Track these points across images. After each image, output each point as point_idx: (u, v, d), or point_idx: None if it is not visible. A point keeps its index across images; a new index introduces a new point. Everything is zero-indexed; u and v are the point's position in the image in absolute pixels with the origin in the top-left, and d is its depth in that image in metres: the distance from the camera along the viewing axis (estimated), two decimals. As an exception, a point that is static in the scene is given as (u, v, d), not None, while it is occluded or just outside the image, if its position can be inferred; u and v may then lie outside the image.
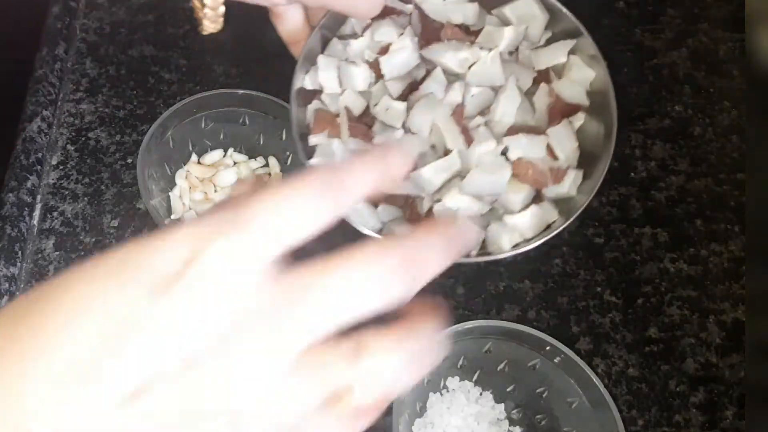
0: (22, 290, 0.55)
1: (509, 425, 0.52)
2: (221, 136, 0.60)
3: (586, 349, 0.57)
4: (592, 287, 0.60)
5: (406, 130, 0.44)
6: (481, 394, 0.52)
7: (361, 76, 0.45)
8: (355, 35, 0.47)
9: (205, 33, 0.56)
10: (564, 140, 0.44)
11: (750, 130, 0.40)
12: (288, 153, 0.60)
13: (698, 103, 0.72)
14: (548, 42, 0.48)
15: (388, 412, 0.45)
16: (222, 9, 0.60)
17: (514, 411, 0.52)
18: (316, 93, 0.46)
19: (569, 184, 0.43)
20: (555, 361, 0.49)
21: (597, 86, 0.47)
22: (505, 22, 0.48)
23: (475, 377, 0.52)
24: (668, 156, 0.69)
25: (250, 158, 0.61)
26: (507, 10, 0.47)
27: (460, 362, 0.52)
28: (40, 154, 0.60)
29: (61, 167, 0.61)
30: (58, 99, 0.64)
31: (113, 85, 0.65)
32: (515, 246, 0.42)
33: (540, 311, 0.59)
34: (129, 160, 0.61)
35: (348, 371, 0.21)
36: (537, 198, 0.44)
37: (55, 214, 0.58)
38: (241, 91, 0.58)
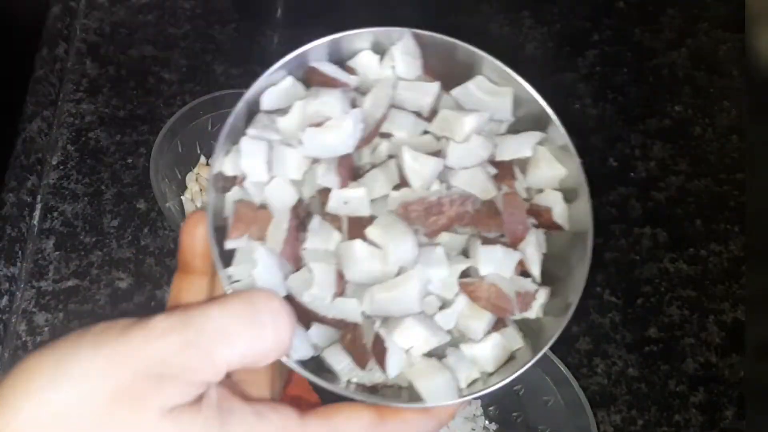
0: (22, 290, 0.55)
1: (485, 421, 0.52)
2: (228, 137, 0.61)
3: (586, 348, 0.57)
4: (592, 287, 0.60)
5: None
6: (460, 391, 0.52)
7: (295, 161, 0.33)
8: (285, 110, 0.34)
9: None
10: (536, 253, 0.34)
11: (750, 130, 0.40)
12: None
13: (698, 103, 0.72)
14: (512, 128, 0.36)
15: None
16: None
17: (490, 408, 0.53)
18: (236, 179, 0.33)
19: (537, 309, 0.34)
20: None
21: (568, 184, 0.36)
22: (463, 105, 0.35)
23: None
24: (668, 156, 0.69)
25: (256, 157, 0.61)
26: (471, 85, 0.35)
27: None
28: (40, 154, 0.60)
29: (61, 167, 0.61)
30: (58, 99, 0.64)
31: (113, 86, 0.65)
32: (471, 385, 0.31)
33: (540, 311, 0.59)
34: (129, 160, 0.61)
35: None
36: (499, 323, 0.33)
37: (55, 214, 0.58)
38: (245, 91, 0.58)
